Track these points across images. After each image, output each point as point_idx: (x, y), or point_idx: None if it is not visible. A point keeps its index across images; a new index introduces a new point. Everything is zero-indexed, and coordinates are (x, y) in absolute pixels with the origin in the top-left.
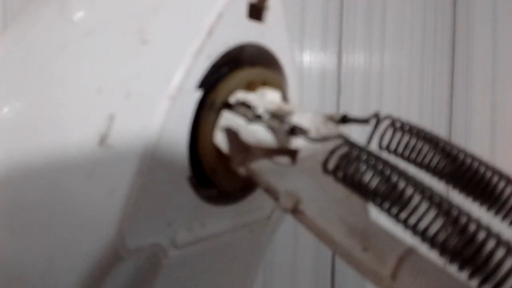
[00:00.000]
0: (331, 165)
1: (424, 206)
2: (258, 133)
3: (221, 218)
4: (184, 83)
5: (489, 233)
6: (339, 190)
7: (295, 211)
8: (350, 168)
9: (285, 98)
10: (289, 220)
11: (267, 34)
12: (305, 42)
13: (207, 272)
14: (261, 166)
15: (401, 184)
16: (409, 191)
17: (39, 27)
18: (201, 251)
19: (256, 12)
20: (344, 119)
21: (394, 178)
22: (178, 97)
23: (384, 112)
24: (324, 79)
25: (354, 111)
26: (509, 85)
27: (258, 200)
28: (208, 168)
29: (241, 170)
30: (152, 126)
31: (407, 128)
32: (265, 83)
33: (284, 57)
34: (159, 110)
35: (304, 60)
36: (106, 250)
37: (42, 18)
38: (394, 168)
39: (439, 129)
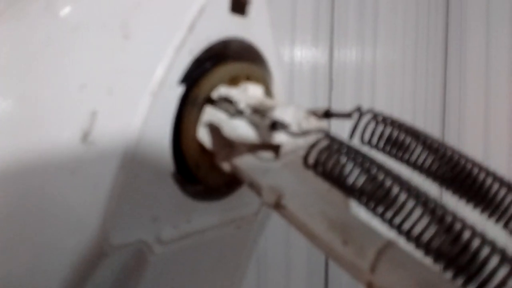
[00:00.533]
0: (311, 159)
1: (402, 197)
2: (240, 128)
3: (207, 214)
4: (166, 79)
5: (474, 233)
6: (321, 184)
7: (278, 206)
8: (329, 162)
9: (269, 93)
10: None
11: (250, 29)
12: (296, 37)
13: (194, 269)
14: (244, 162)
15: (380, 177)
16: (388, 183)
17: (25, 23)
18: (188, 247)
19: (239, 6)
20: (327, 114)
21: (373, 170)
22: (160, 93)
23: (377, 107)
24: (315, 74)
25: (346, 107)
26: (501, 78)
27: (245, 196)
28: (192, 164)
29: (225, 166)
30: (134, 122)
31: (388, 121)
32: (248, 78)
33: (268, 51)
34: (141, 106)
35: (295, 55)
36: (90, 247)
37: (29, 14)
38: (373, 161)
39: (432, 124)
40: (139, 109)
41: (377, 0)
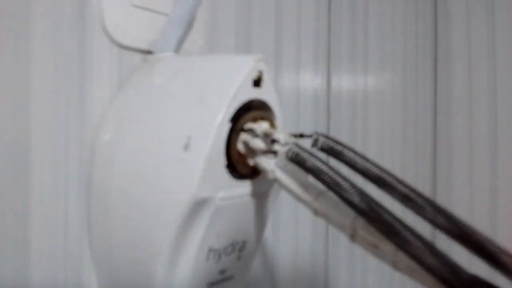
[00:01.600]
0: (289, 154)
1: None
2: (257, 143)
3: (243, 187)
4: (223, 120)
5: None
6: (296, 169)
7: (275, 179)
8: (301, 157)
9: (273, 126)
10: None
11: (264, 93)
12: (300, 69)
13: (241, 218)
14: (259, 159)
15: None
16: (338, 179)
17: (140, 87)
18: (236, 204)
19: (257, 83)
20: (301, 135)
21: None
22: (220, 126)
23: (369, 133)
24: (316, 102)
25: (343, 133)
26: (483, 101)
27: (263, 178)
28: (234, 161)
29: (251, 162)
30: (209, 140)
31: (325, 147)
32: (262, 118)
33: (273, 104)
34: (212, 133)
35: (300, 86)
36: (192, 199)
37: (141, 81)
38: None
39: (424, 145)
40: (211, 134)
41: (366, 30)
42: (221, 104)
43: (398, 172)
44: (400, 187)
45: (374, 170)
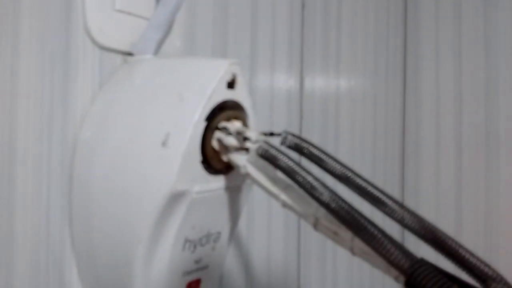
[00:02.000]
0: (259, 151)
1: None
2: (230, 141)
3: (217, 182)
4: (199, 119)
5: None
6: (265, 164)
7: (246, 174)
8: (270, 153)
9: (245, 125)
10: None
11: (237, 94)
12: (275, 70)
13: (214, 210)
14: (233, 156)
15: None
16: (305, 176)
17: (121, 87)
18: (210, 197)
19: (230, 84)
20: (271, 134)
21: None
22: (197, 124)
23: (340, 133)
24: (290, 103)
25: (315, 133)
26: (450, 102)
27: (236, 174)
28: (209, 157)
29: (225, 158)
30: (186, 137)
31: (292, 144)
32: (236, 118)
33: (246, 104)
34: (189, 130)
35: (274, 87)
36: (169, 191)
37: (122, 82)
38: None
39: (393, 146)
40: (189, 132)
41: (339, 34)
42: (198, 104)
43: (368, 171)
44: (363, 184)
45: (338, 167)
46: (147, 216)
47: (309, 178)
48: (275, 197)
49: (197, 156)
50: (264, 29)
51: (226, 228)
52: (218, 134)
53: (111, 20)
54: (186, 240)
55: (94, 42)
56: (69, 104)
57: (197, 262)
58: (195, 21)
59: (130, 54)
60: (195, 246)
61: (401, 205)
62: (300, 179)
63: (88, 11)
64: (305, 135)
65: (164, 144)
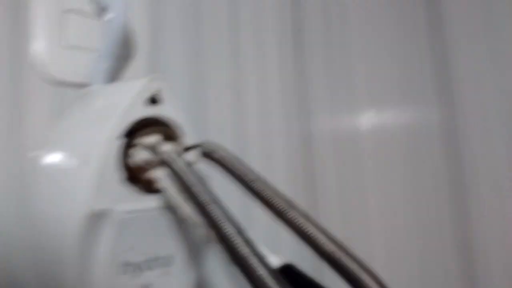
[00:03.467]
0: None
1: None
2: (140, 155)
3: (151, 201)
4: (110, 136)
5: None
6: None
7: (163, 189)
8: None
9: (173, 139)
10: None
11: (163, 109)
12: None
13: (154, 231)
14: (153, 171)
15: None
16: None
17: (71, 116)
18: (140, 218)
19: (153, 100)
20: (191, 147)
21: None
22: (109, 142)
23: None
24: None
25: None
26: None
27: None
28: (138, 175)
29: (148, 175)
30: (99, 155)
31: (207, 155)
32: (167, 134)
33: (175, 118)
34: (101, 147)
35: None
36: (87, 209)
37: (74, 111)
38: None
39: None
40: (100, 150)
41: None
42: (110, 122)
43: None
44: (276, 200)
45: (251, 175)
46: (72, 236)
47: (199, 191)
48: (183, 210)
49: (116, 174)
50: (248, 47)
51: (180, 251)
52: (131, 150)
53: (59, 56)
54: (127, 264)
55: (45, 77)
56: (24, 134)
57: (146, 286)
58: (161, 45)
59: (86, 85)
60: (140, 270)
61: (306, 216)
62: (194, 193)
63: (35, 50)
64: (216, 144)
65: (82, 164)
